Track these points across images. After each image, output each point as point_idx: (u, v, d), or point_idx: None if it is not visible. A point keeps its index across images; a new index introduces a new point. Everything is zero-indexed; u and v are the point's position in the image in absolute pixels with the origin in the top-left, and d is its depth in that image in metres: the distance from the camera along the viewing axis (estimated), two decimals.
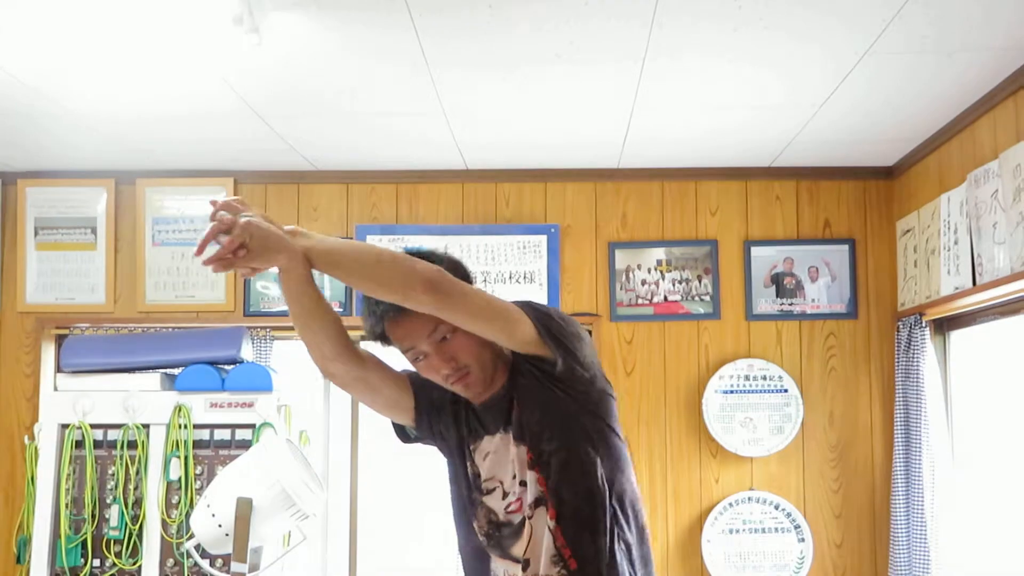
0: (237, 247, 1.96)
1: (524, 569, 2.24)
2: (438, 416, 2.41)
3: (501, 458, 2.30)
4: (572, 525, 2.20)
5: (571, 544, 2.19)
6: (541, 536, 2.22)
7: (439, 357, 2.24)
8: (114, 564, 4.25)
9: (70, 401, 4.36)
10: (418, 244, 4.76)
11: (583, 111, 3.97)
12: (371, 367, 2.36)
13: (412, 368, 2.35)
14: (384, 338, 2.28)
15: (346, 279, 2.22)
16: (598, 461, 2.24)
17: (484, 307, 2.16)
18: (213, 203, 1.99)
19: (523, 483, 2.25)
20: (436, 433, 2.43)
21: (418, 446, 2.53)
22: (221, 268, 2.00)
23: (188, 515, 4.14)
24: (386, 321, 2.24)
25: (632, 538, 2.26)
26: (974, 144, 3.86)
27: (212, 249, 1.96)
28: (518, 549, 2.25)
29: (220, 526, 3.46)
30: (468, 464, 2.36)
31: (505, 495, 2.28)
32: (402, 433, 2.52)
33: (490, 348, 2.29)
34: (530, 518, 2.23)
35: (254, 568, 3.54)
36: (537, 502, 2.23)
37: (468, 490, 2.35)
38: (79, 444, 4.32)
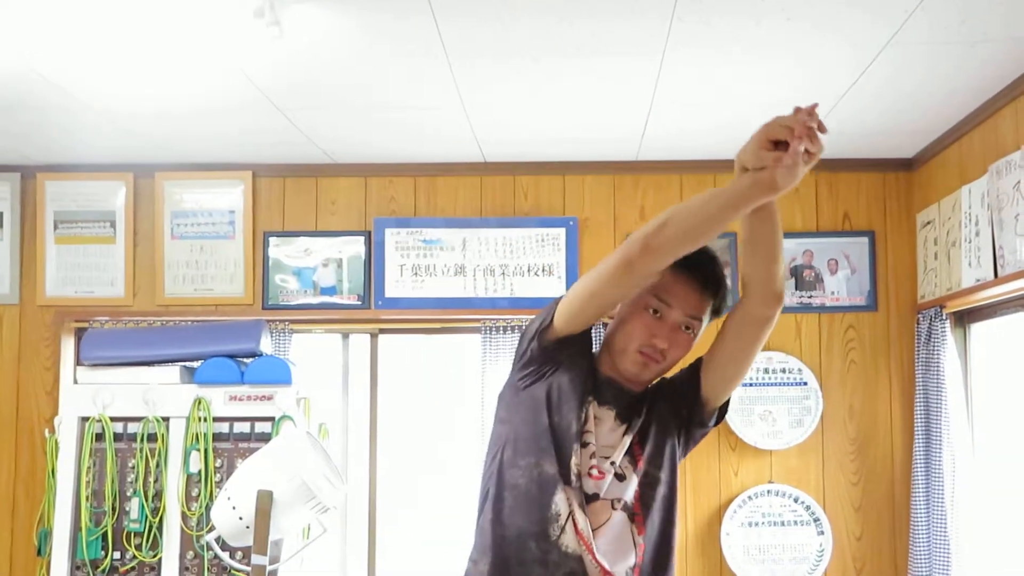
0: (813, 152, 1.95)
1: (594, 536, 2.25)
2: (576, 359, 2.37)
3: (603, 430, 2.34)
4: (650, 557, 2.30)
5: (645, 568, 2.29)
6: (622, 539, 2.27)
7: (669, 337, 2.32)
8: (134, 557, 4.26)
9: (90, 394, 4.37)
10: (436, 236, 4.77)
11: (602, 104, 3.95)
12: (643, 284, 2.32)
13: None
14: (658, 273, 2.27)
15: (767, 238, 2.18)
16: (676, 514, 2.38)
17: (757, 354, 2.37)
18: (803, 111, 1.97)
19: (613, 464, 2.30)
20: (556, 363, 2.36)
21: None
22: (795, 133, 1.96)
23: (208, 508, 4.15)
24: (684, 272, 2.31)
25: None
26: (996, 135, 3.83)
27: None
28: (589, 519, 2.26)
29: (241, 519, 3.47)
30: (583, 409, 2.33)
31: (592, 455, 2.29)
32: (545, 329, 2.37)
33: (669, 370, 2.41)
34: (613, 509, 2.28)
35: (274, 561, 3.55)
36: (625, 506, 2.29)
37: (576, 424, 2.31)
38: (99, 437, 4.33)
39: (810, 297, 4.74)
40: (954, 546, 4.15)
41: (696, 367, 2.42)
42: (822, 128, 1.95)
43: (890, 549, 4.66)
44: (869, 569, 4.66)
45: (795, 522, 4.64)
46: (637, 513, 2.29)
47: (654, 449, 2.35)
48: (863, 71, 3.56)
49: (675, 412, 2.40)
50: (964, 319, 4.39)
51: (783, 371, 4.69)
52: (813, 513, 4.63)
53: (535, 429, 2.31)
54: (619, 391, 2.37)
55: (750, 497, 4.66)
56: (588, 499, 2.26)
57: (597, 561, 2.20)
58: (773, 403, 4.67)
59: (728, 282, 2.40)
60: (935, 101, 3.91)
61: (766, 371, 4.69)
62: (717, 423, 2.46)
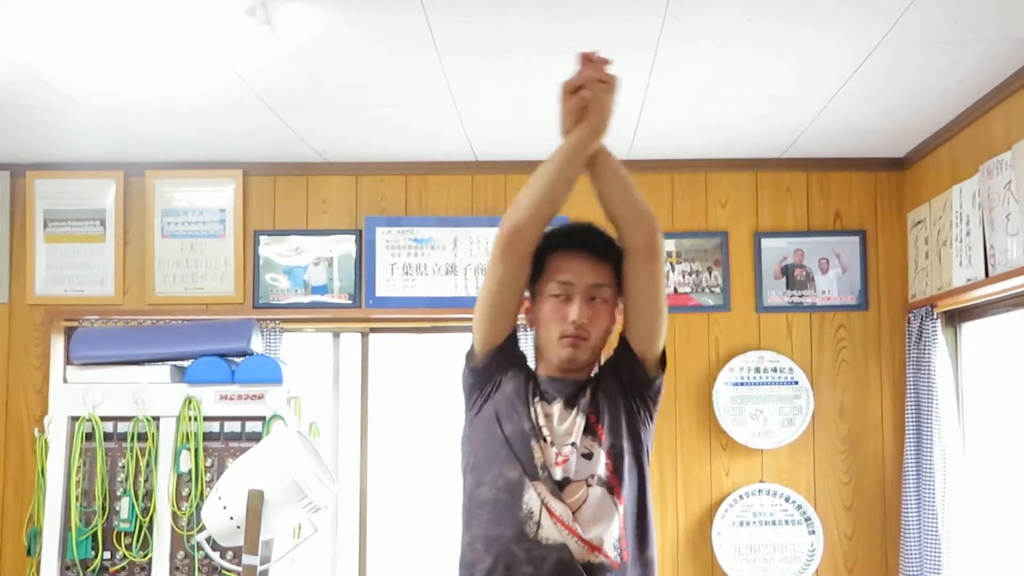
0: (604, 80, 2.28)
1: (575, 519, 2.27)
2: (508, 368, 2.44)
3: (558, 420, 2.38)
4: (632, 523, 2.34)
5: (628, 539, 2.31)
6: (603, 513, 2.30)
7: (581, 310, 2.36)
8: (124, 556, 4.24)
9: (80, 393, 4.35)
10: (428, 235, 4.76)
11: None
12: (527, 266, 2.40)
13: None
14: (542, 264, 2.41)
15: (610, 179, 2.34)
16: (647, 478, 2.41)
17: (664, 290, 2.41)
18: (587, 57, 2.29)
19: (574, 446, 2.33)
20: (494, 381, 2.44)
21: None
22: (587, 78, 2.28)
23: (198, 507, 4.14)
24: (569, 247, 2.40)
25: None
26: (987, 135, 3.84)
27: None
28: (567, 500, 2.29)
29: (232, 518, 3.45)
30: (532, 412, 2.39)
31: (556, 447, 2.34)
32: (471, 357, 2.49)
33: (605, 341, 2.44)
34: (588, 486, 2.30)
35: (265, 560, 3.54)
36: (601, 481, 2.32)
37: (527, 423, 2.37)
38: (89, 436, 4.31)
39: (801, 296, 4.75)
40: (945, 545, 4.16)
41: (623, 333, 2.46)
42: (603, 61, 2.28)
43: (881, 548, 4.67)
44: (860, 568, 4.67)
45: (786, 521, 4.65)
46: (614, 485, 2.32)
47: (611, 420, 2.37)
48: (855, 70, 3.57)
49: (619, 379, 2.42)
50: (955, 318, 4.40)
51: (774, 370, 4.69)
52: (804, 512, 4.64)
53: (492, 444, 2.38)
54: (562, 384, 2.42)
55: (741, 496, 4.66)
56: (561, 485, 2.29)
57: (584, 540, 2.25)
58: (764, 402, 4.68)
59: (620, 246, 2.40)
60: (926, 101, 3.91)
61: (757, 370, 4.69)
62: (663, 370, 2.45)
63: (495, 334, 2.42)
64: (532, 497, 2.29)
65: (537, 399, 2.40)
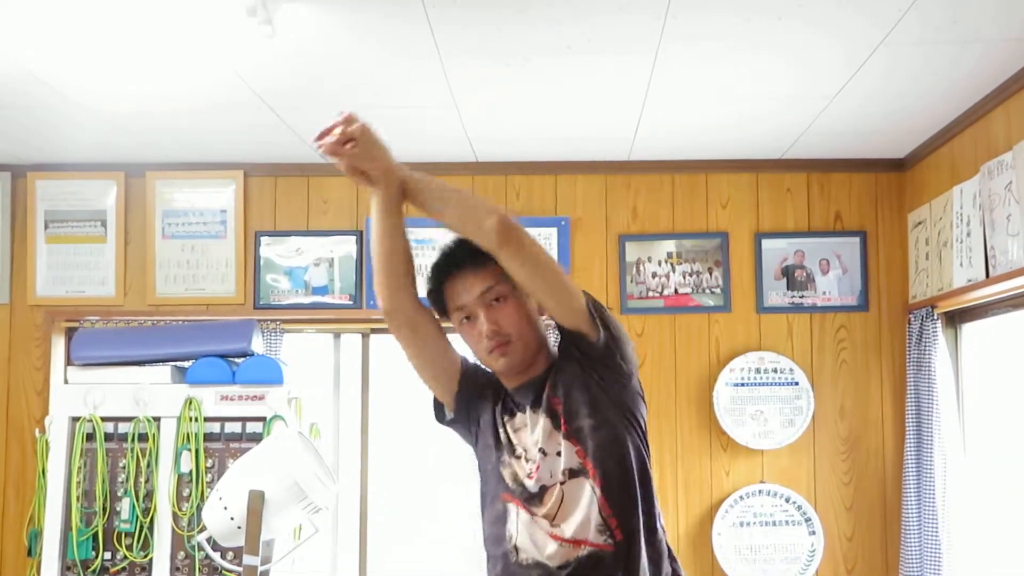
0: (348, 139, 2.28)
1: (552, 524, 2.29)
2: (479, 400, 2.47)
3: (529, 430, 2.38)
4: (617, 497, 2.28)
5: (617, 515, 2.27)
6: (578, 503, 2.28)
7: (487, 319, 2.35)
8: (125, 557, 4.24)
9: (80, 394, 4.35)
10: (428, 236, 4.76)
11: (594, 103, 3.95)
12: (426, 317, 2.43)
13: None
14: (440, 302, 2.42)
15: (433, 204, 2.34)
16: (630, 444, 2.34)
17: (548, 264, 2.30)
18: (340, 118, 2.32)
19: (543, 452, 2.32)
20: (473, 419, 2.49)
21: (447, 433, 2.63)
22: (329, 151, 2.30)
23: (199, 508, 4.14)
24: (446, 276, 2.39)
25: (661, 522, 2.38)
26: (988, 136, 3.84)
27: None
28: (542, 510, 2.31)
29: (232, 519, 3.45)
30: (501, 433, 2.42)
31: (528, 461, 2.35)
32: (439, 412, 2.57)
33: (535, 330, 2.40)
34: (562, 484, 2.29)
35: (266, 561, 3.53)
36: (573, 472, 2.29)
37: (501, 452, 2.41)
38: (90, 437, 4.31)
39: (801, 297, 4.75)
40: (945, 546, 4.16)
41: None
42: (330, 130, 2.33)
43: (881, 549, 4.67)
44: (860, 569, 4.67)
45: (786, 522, 4.65)
46: (587, 468, 2.30)
47: (570, 403, 2.33)
48: (856, 71, 3.57)
49: (572, 358, 2.36)
50: (955, 319, 4.40)
51: (775, 371, 4.69)
52: (804, 513, 4.64)
53: (483, 476, 2.46)
54: (525, 389, 2.42)
55: (741, 497, 4.66)
56: (539, 496, 2.31)
57: (567, 541, 2.26)
58: (764, 403, 4.68)
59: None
60: (927, 101, 3.91)
61: (757, 371, 4.69)
62: (606, 326, 2.32)
63: (446, 385, 2.48)
64: (512, 522, 2.33)
65: (506, 418, 2.42)
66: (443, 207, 2.31)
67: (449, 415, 2.53)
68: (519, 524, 2.32)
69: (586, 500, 2.27)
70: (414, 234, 4.68)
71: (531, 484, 2.32)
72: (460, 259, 2.39)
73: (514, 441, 2.38)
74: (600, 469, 2.28)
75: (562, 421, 2.33)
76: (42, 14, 3.06)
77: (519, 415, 2.42)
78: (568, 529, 2.27)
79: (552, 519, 2.29)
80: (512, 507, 2.34)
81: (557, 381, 2.37)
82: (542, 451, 2.32)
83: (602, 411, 2.33)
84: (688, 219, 4.80)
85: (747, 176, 4.81)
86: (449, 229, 2.36)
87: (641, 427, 2.40)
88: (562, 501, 2.29)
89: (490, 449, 2.43)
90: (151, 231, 4.81)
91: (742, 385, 4.69)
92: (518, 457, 2.37)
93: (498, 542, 2.36)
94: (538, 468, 2.32)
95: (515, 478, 2.35)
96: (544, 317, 2.43)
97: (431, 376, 2.49)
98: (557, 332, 2.41)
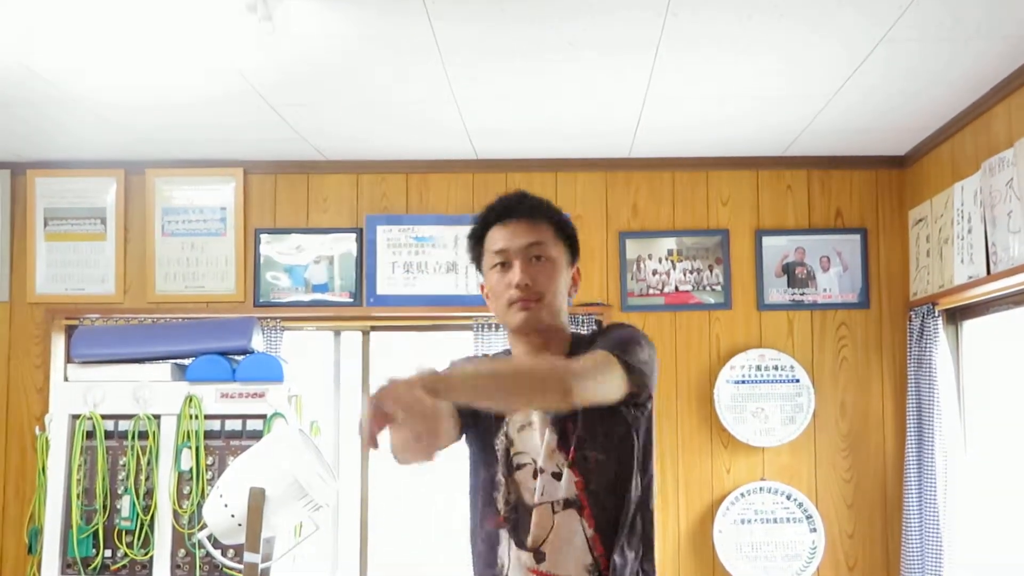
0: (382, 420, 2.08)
1: (538, 560, 2.21)
2: (481, 414, 2.33)
3: (534, 436, 2.28)
4: (610, 538, 2.21)
5: (608, 556, 2.19)
6: (569, 540, 2.20)
7: (523, 270, 2.25)
8: (126, 555, 4.24)
9: (81, 392, 4.35)
10: (428, 234, 4.76)
11: (595, 100, 3.95)
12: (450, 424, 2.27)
13: None
14: (479, 245, 2.36)
15: (479, 399, 2.11)
16: (634, 484, 2.24)
17: (610, 381, 2.11)
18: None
19: (542, 471, 2.23)
20: (471, 423, 2.36)
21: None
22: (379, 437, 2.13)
23: (199, 505, 4.13)
24: (497, 221, 2.32)
25: (655, 562, 2.31)
26: (988, 132, 3.84)
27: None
28: (531, 537, 2.22)
29: (233, 516, 3.45)
30: (502, 437, 2.31)
31: (535, 475, 2.25)
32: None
33: (561, 303, 2.32)
34: (555, 513, 2.21)
35: (267, 558, 3.54)
36: (568, 503, 2.21)
37: (497, 466, 2.30)
38: (90, 435, 4.30)
39: (802, 294, 4.74)
40: (946, 543, 4.16)
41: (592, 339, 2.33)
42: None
43: (882, 546, 4.67)
44: (861, 566, 4.67)
45: (787, 519, 4.64)
46: (584, 505, 2.21)
47: (586, 432, 2.22)
48: (856, 68, 3.56)
49: None
50: (956, 316, 4.40)
51: (775, 368, 4.69)
52: (805, 510, 4.64)
53: (475, 490, 2.37)
54: None
55: (742, 494, 4.66)
56: (524, 523, 2.23)
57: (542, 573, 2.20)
58: (765, 400, 4.67)
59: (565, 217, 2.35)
60: (927, 98, 3.91)
61: (758, 368, 4.69)
62: (643, 390, 2.22)
63: (458, 431, 2.34)
64: (503, 550, 2.25)
65: (504, 426, 2.30)
66: (490, 399, 2.08)
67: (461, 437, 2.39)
68: (511, 556, 2.24)
69: (577, 539, 2.20)
70: (416, 231, 4.64)
71: (528, 499, 2.24)
72: (518, 207, 2.33)
73: (515, 445, 2.29)
74: (596, 508, 2.21)
75: (572, 446, 2.23)
76: (42, 11, 3.05)
77: (523, 414, 2.30)
78: (556, 565, 2.20)
79: (537, 554, 2.21)
80: (503, 535, 2.26)
81: None
82: (541, 470, 2.24)
83: (615, 445, 2.23)
84: (689, 216, 4.80)
85: (748, 173, 4.80)
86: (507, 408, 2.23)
87: (651, 460, 2.31)
88: (551, 530, 2.21)
89: (488, 459, 2.32)
90: (151, 228, 4.80)
91: (743, 382, 4.69)
92: (521, 467, 2.27)
93: (489, 566, 2.29)
94: (533, 483, 2.24)
95: (507, 501, 2.26)
96: (570, 296, 2.37)
97: (446, 442, 2.30)
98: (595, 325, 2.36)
